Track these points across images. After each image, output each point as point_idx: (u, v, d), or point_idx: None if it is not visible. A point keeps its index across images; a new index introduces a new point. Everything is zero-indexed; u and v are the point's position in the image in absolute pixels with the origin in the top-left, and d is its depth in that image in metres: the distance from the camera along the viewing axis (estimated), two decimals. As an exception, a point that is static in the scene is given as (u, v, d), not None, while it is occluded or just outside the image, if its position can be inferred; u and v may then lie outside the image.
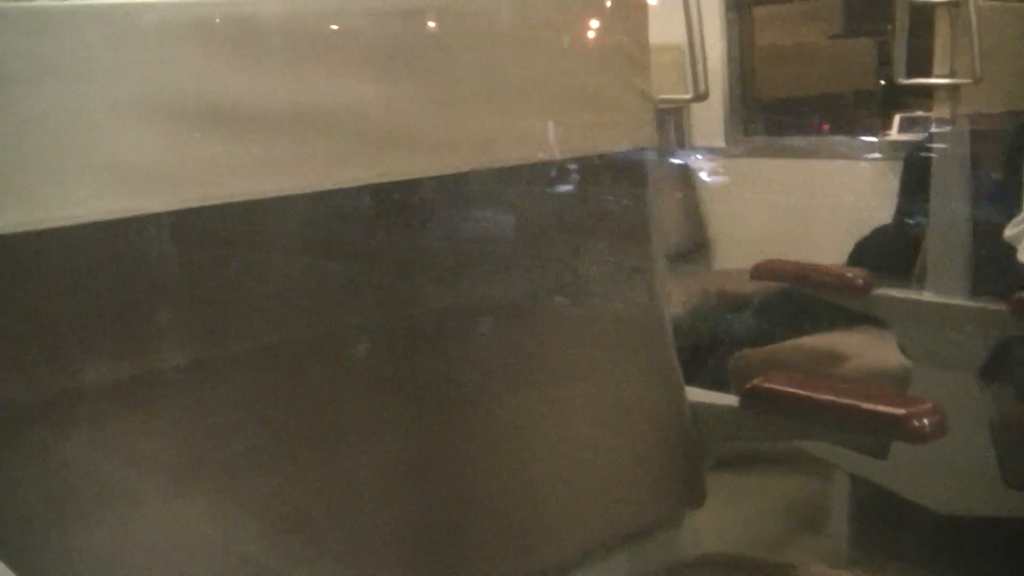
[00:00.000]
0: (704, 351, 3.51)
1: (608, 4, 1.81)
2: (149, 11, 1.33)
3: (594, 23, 1.78)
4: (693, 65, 1.78)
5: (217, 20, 1.36)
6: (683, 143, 4.68)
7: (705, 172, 4.73)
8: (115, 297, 1.33)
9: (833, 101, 5.42)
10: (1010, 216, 2.73)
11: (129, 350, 1.33)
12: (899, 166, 3.63)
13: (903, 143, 4.07)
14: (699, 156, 4.74)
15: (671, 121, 4.48)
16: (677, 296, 3.15)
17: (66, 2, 1.25)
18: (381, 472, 1.55)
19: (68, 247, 1.28)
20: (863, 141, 4.30)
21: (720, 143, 4.67)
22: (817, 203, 4.25)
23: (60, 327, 1.30)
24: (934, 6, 2.72)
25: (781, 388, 1.82)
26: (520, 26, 1.68)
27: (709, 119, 4.51)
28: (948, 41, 2.70)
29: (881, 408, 1.74)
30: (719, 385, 3.06)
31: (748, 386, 1.83)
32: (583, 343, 1.80)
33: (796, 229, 4.37)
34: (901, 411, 1.71)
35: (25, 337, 1.27)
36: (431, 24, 1.57)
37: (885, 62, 5.10)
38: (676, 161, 4.63)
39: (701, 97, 1.79)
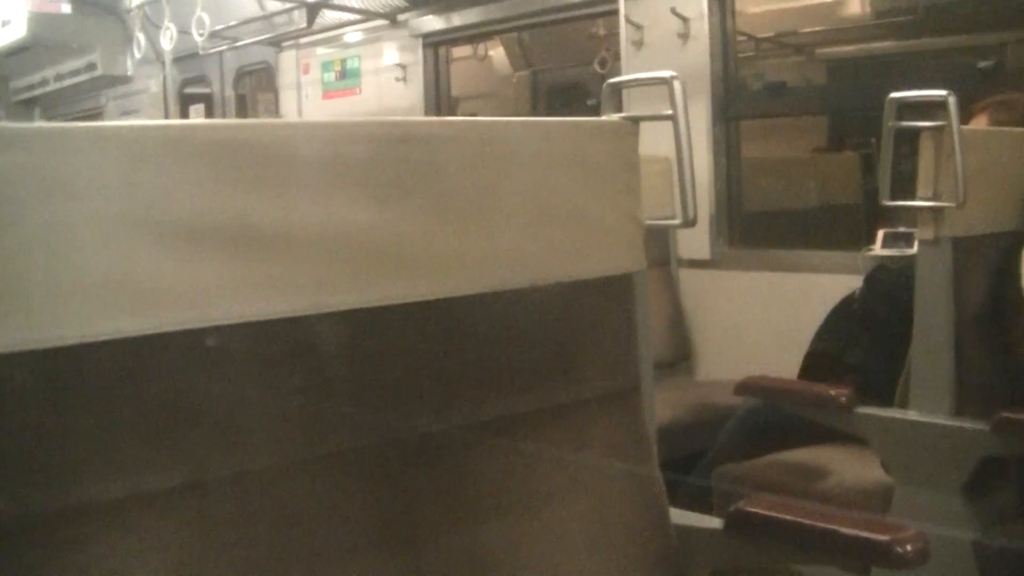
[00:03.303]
0: (685, 464, 3.49)
1: (599, 127, 1.83)
2: (149, 133, 1.36)
3: (585, 146, 1.80)
4: (683, 191, 1.79)
5: (215, 143, 1.39)
6: (668, 255, 4.70)
7: (690, 284, 4.75)
8: (105, 417, 1.32)
9: (817, 214, 5.48)
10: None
11: (119, 471, 1.32)
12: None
13: (886, 258, 4.10)
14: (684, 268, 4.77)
15: (656, 233, 4.50)
16: (659, 407, 3.15)
17: (69, 124, 1.28)
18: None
19: (59, 366, 1.28)
20: (847, 255, 4.33)
21: (705, 255, 4.70)
22: (800, 316, 4.26)
23: (49, 446, 1.29)
24: (919, 131, 2.77)
25: (766, 512, 1.82)
26: (512, 151, 1.71)
27: (694, 231, 4.53)
28: (932, 164, 2.75)
29: (864, 534, 1.75)
30: (699, 499, 3.08)
31: (732, 509, 1.83)
32: (570, 465, 1.79)
33: (779, 341, 4.38)
34: (884, 538, 1.72)
35: (14, 456, 1.27)
36: (424, 150, 1.59)
37: (868, 175, 5.16)
38: (661, 273, 4.64)
39: (690, 223, 1.80)
